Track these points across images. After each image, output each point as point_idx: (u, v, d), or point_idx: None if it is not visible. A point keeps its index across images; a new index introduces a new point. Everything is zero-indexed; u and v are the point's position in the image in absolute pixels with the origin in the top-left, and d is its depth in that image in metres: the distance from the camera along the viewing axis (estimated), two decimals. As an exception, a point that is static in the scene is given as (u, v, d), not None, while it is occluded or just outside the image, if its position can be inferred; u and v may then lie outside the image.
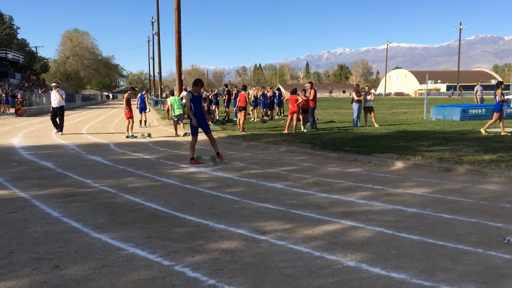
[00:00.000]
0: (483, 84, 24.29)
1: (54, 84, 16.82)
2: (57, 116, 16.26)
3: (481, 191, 6.40)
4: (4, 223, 4.91)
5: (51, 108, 16.58)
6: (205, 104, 18.93)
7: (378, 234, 4.45)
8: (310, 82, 16.53)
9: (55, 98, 16.17)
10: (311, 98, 15.59)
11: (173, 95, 17.72)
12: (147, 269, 3.61)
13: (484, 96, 24.16)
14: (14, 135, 15.96)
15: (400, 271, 3.53)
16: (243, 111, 15.92)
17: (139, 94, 20.38)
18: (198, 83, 9.04)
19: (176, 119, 15.91)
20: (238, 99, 16.77)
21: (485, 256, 3.85)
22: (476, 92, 23.36)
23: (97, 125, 21.90)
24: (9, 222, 4.96)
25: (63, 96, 16.42)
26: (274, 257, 3.86)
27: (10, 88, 39.54)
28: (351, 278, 3.40)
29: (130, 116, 15.25)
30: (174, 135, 15.78)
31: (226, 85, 23.49)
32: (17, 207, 5.61)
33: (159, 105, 39.90)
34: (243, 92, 16.24)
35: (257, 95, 23.04)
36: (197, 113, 8.98)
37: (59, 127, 16.25)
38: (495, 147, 9.95)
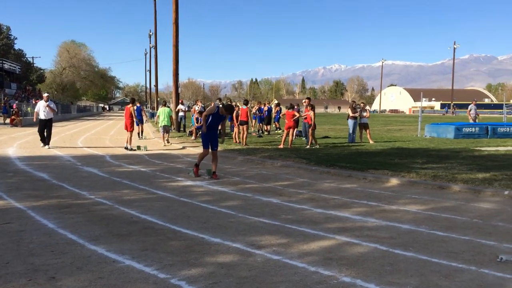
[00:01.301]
0: (477, 103, 24.56)
1: (46, 94, 15.76)
2: (45, 129, 15.00)
3: (474, 209, 6.46)
4: (0, 234, 4.90)
5: (37, 120, 15.24)
6: (201, 118, 19.02)
7: (373, 250, 4.49)
8: (308, 98, 16.53)
9: (45, 110, 14.96)
10: (305, 115, 15.49)
11: (165, 105, 18.09)
12: (143, 282, 3.62)
13: (481, 115, 24.43)
14: (9, 145, 15.91)
15: (394, 287, 3.57)
16: (244, 126, 15.96)
17: (135, 106, 20.47)
18: (228, 109, 9.33)
19: (162, 130, 17.31)
20: (235, 113, 16.78)
21: (478, 273, 3.89)
22: (470, 110, 23.62)
23: (92, 136, 21.89)
24: (4, 232, 4.96)
25: (55, 110, 15.46)
26: (269, 271, 3.88)
27: (6, 98, 39.49)
28: (346, 294, 3.43)
29: (133, 129, 15.34)
30: (163, 145, 16.98)
31: (220, 99, 23.59)
32: (12, 218, 5.60)
33: (154, 117, 39.95)
34: (245, 107, 16.31)
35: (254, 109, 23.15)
36: (212, 128, 9.16)
37: (46, 140, 15.02)
38: (489, 166, 10.05)
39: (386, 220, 5.72)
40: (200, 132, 19.16)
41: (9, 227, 5.17)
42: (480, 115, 25.15)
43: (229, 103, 9.53)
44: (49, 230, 5.10)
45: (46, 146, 14.90)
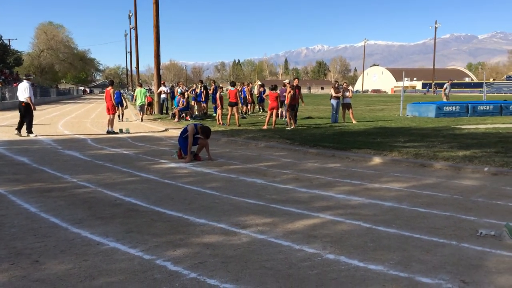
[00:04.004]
0: (456, 82, 24.93)
1: (26, 76, 14.23)
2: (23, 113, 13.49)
3: (455, 186, 6.58)
4: (-20, 219, 4.82)
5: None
6: (184, 100, 18.89)
7: (356, 228, 4.55)
8: (297, 78, 17.06)
9: (25, 92, 13.36)
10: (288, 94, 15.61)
11: (141, 86, 21.72)
12: (128, 263, 3.61)
13: (451, 94, 24.83)
14: (-13, 129, 15.56)
15: (377, 263, 3.63)
16: (234, 107, 16.15)
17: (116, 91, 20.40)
18: (205, 132, 8.78)
19: (139, 108, 20.33)
20: (218, 95, 17.19)
21: (458, 248, 3.98)
22: (445, 89, 24.04)
23: (73, 120, 21.54)
24: (-15, 217, 4.88)
25: (30, 96, 13.41)
26: (254, 250, 3.91)
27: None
28: (330, 270, 3.48)
29: (114, 112, 15.13)
30: (140, 120, 20.00)
31: (201, 81, 23.45)
32: (-8, 203, 5.50)
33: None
34: (233, 89, 16.34)
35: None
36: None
37: (27, 128, 13.55)
38: (469, 144, 10.22)
39: (369, 198, 5.79)
40: (182, 115, 19.07)
41: (-11, 212, 5.08)
42: (453, 94, 25.62)
43: (207, 126, 9.16)
44: (31, 214, 5.04)
45: (32, 135, 13.41)
